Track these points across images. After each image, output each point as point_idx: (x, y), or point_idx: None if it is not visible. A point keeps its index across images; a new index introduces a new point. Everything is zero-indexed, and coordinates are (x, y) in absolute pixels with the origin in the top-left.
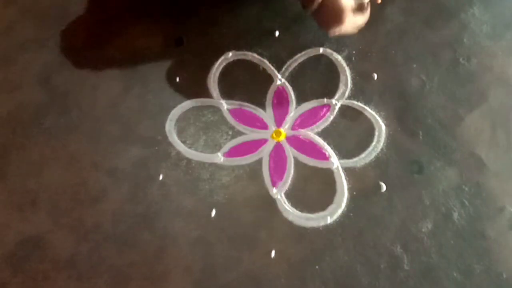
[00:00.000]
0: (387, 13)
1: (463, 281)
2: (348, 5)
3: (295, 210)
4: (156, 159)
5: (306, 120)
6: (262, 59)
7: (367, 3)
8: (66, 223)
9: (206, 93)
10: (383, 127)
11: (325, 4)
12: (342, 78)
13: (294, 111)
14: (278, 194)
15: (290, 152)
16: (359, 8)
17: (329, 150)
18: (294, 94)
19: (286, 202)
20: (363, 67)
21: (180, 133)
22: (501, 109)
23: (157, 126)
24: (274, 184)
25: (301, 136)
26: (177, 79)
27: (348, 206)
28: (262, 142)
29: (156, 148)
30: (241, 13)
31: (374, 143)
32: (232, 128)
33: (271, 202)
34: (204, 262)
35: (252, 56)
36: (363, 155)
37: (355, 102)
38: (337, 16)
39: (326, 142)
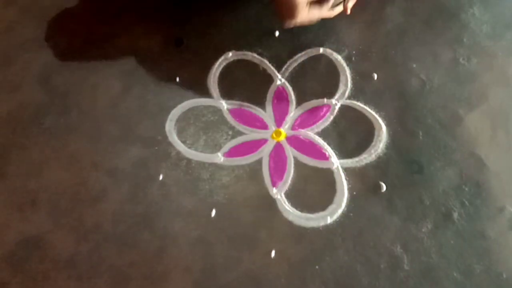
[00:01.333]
0: (387, 13)
1: (463, 281)
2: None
3: (295, 210)
4: (156, 159)
5: (306, 120)
6: (262, 59)
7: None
8: (66, 223)
9: (206, 93)
10: (383, 127)
11: None
12: (342, 78)
13: (294, 111)
14: (278, 194)
15: (290, 152)
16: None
17: (329, 150)
18: (294, 94)
19: (286, 202)
20: (363, 67)
21: (180, 133)
22: (501, 109)
23: (157, 126)
24: (274, 184)
25: (301, 136)
26: (177, 79)
27: (348, 206)
28: (262, 142)
29: (156, 148)
30: (241, 13)
31: (374, 143)
32: (232, 128)
33: (271, 202)
34: (204, 262)
35: (252, 56)
36: (363, 155)
37: (355, 102)
38: (289, 10)
39: (326, 142)
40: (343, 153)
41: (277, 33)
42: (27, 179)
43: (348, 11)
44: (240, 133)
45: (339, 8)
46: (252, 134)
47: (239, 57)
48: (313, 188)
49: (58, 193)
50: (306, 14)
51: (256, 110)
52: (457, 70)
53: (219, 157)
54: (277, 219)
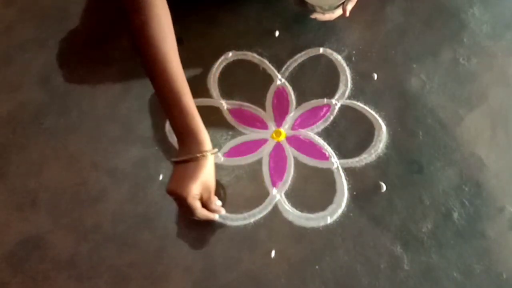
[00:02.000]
0: (387, 13)
1: (463, 281)
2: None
3: (295, 210)
4: (156, 159)
5: (306, 120)
6: (262, 59)
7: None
8: (66, 223)
9: (206, 93)
10: (383, 127)
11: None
12: (342, 78)
13: (294, 111)
14: (278, 194)
15: (290, 152)
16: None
17: (329, 150)
18: (294, 94)
19: (286, 202)
20: (363, 67)
21: None
22: (501, 109)
23: (157, 126)
24: (274, 184)
25: (301, 136)
26: None
27: (348, 206)
28: (262, 142)
29: (156, 148)
30: (241, 13)
31: (374, 143)
32: (232, 128)
33: (271, 202)
34: (204, 262)
35: (252, 56)
36: (363, 155)
37: (355, 102)
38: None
39: (326, 142)
40: (343, 153)
41: (277, 33)
42: (27, 179)
43: (347, 14)
44: (240, 133)
45: (339, 11)
46: (252, 134)
47: (239, 57)
48: (313, 188)
49: (58, 193)
50: (202, 211)
51: (256, 110)
52: (457, 70)
53: (219, 157)
54: (277, 219)
